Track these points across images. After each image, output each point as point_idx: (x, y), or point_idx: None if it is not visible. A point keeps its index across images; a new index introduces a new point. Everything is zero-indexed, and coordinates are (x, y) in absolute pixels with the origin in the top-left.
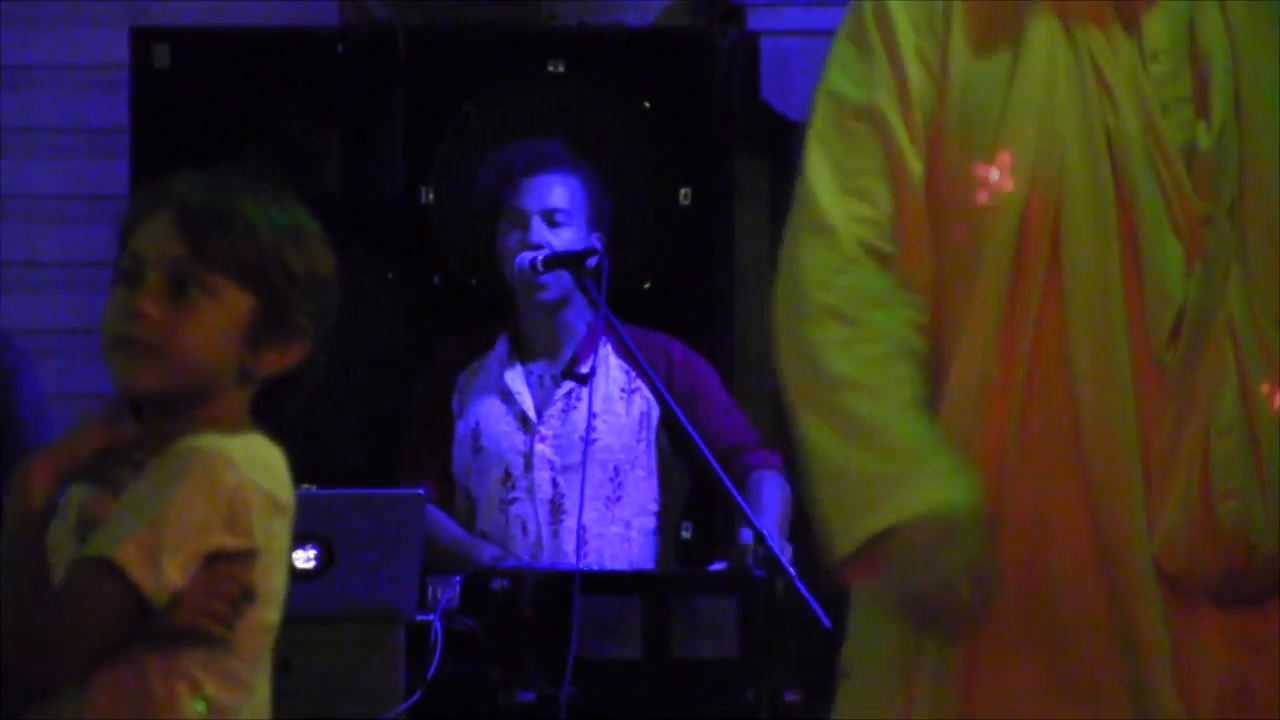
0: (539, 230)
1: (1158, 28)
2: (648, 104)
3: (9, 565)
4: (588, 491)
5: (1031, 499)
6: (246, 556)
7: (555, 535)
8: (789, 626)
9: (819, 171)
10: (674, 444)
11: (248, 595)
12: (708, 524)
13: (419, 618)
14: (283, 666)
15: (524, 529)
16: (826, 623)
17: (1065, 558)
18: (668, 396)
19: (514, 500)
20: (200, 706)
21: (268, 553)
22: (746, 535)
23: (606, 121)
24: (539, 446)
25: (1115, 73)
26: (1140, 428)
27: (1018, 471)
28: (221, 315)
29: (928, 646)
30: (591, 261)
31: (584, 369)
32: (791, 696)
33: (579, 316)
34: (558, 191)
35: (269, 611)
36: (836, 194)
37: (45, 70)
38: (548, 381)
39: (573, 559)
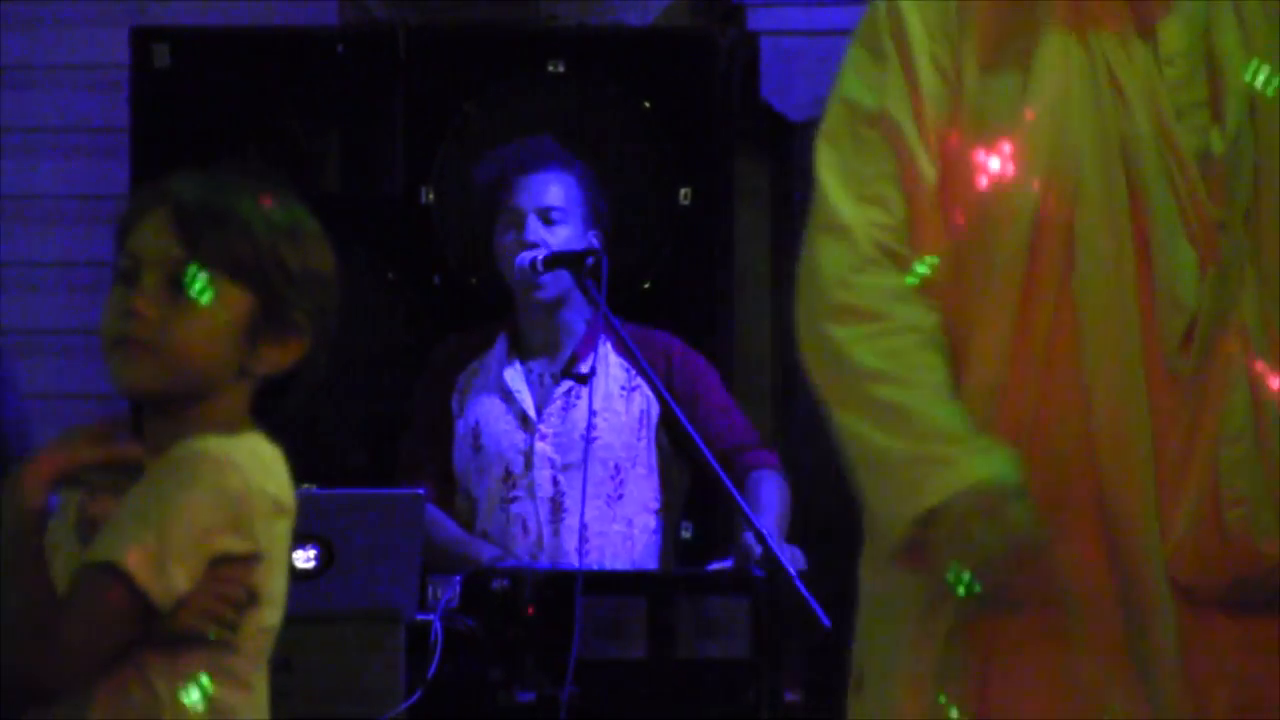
0: (535, 229)
1: (1173, 33)
2: (648, 104)
3: (9, 568)
4: (589, 490)
5: (1043, 502)
6: (251, 560)
7: (556, 534)
8: (790, 627)
9: (832, 177)
10: (674, 442)
11: (251, 598)
12: (708, 524)
13: (419, 618)
14: (283, 666)
15: (525, 528)
16: (827, 623)
17: (1077, 563)
18: (668, 397)
19: (514, 499)
20: (201, 706)
21: (271, 555)
22: (751, 537)
23: (606, 121)
24: (539, 445)
25: (1130, 77)
26: (1154, 434)
27: (1030, 475)
28: (219, 314)
29: (942, 648)
30: (591, 261)
31: (584, 368)
32: (792, 697)
33: (578, 315)
34: (553, 189)
35: (271, 613)
36: (851, 200)
37: (45, 70)
38: (547, 380)
39: (574, 557)
